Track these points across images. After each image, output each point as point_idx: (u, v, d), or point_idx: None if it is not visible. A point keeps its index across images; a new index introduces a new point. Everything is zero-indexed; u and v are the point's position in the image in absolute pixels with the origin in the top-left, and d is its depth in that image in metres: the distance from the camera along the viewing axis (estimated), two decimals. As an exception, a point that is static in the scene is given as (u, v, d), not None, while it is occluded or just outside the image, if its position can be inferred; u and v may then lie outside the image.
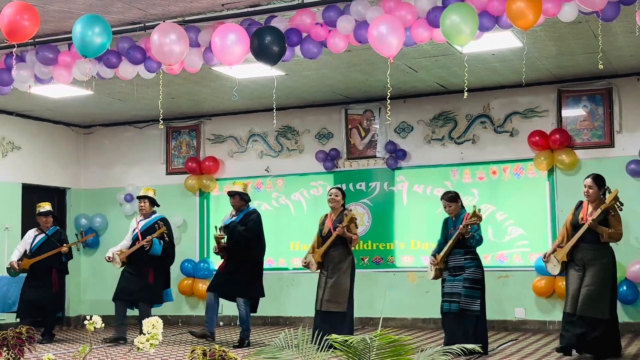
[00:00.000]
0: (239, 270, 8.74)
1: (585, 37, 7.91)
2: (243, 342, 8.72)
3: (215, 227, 8.98)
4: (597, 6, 5.47)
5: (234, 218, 8.89)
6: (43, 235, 9.62)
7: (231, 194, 8.97)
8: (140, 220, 9.40)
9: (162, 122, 7.34)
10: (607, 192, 7.19)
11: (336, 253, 8.16)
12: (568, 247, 7.28)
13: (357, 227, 8.22)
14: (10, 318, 10.11)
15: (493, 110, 10.26)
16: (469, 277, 7.58)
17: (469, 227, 7.50)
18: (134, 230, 9.34)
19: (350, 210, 8.45)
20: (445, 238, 7.83)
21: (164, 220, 9.38)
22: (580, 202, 7.46)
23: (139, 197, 9.43)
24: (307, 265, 8.40)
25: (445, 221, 7.95)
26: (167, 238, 9.19)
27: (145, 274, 9.12)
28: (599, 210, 7.10)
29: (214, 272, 9.28)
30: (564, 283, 9.05)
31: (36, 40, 7.04)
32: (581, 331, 7.14)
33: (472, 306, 7.54)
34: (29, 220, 10.58)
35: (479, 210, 7.64)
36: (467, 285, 7.55)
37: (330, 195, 8.37)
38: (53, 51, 7.12)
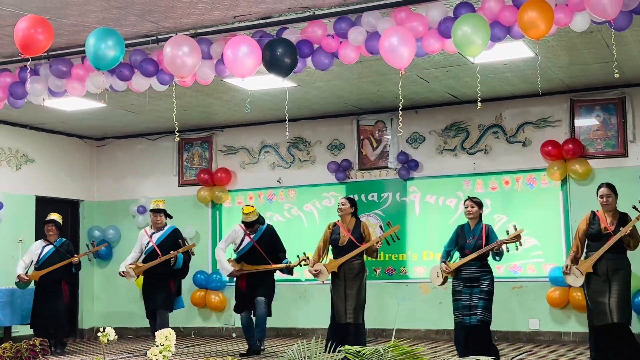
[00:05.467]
0: (263, 282, 8.84)
1: (598, 47, 7.89)
2: (259, 345, 8.79)
3: (304, 254, 8.82)
4: (609, 16, 5.45)
5: (252, 236, 8.92)
6: (51, 246, 9.62)
7: (250, 224, 8.92)
8: (153, 233, 9.34)
9: (177, 134, 7.36)
10: None
11: (356, 264, 8.20)
12: (595, 258, 7.21)
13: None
14: (24, 330, 10.14)
15: (505, 120, 10.23)
16: (485, 289, 7.50)
17: (505, 245, 7.47)
18: (148, 243, 9.29)
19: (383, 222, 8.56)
20: (460, 246, 7.71)
21: (178, 231, 9.38)
22: (593, 213, 7.40)
23: (154, 211, 9.32)
24: (316, 274, 8.34)
25: (461, 228, 7.80)
26: (193, 253, 9.27)
27: (166, 284, 9.12)
28: (634, 220, 7.08)
29: (236, 292, 9.12)
30: (580, 293, 9.06)
31: (50, 53, 7.09)
32: (617, 341, 7.16)
33: (488, 317, 7.50)
34: (42, 232, 10.63)
35: (522, 231, 7.56)
36: (484, 297, 7.46)
37: (338, 205, 8.41)
38: (66, 64, 7.18)
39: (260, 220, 9.02)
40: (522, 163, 10.07)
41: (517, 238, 7.47)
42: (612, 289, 7.16)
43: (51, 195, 11.67)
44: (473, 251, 7.53)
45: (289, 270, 8.93)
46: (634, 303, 9.05)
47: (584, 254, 7.43)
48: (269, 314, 9.00)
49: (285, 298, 10.91)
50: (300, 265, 8.88)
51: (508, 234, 7.52)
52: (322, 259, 8.41)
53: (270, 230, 9.10)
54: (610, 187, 7.33)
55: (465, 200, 7.78)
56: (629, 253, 7.40)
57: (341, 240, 8.23)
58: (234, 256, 9.14)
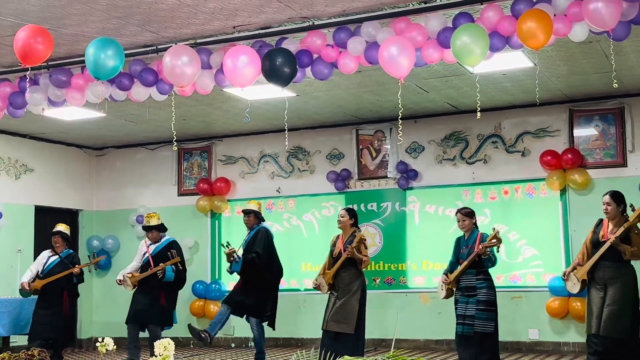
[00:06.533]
0: (252, 290, 8.70)
1: (596, 57, 7.91)
2: None
3: (223, 245, 8.76)
4: (607, 26, 5.46)
5: (246, 238, 8.87)
6: (56, 257, 9.62)
7: (247, 212, 8.91)
8: (150, 244, 9.32)
9: (175, 143, 7.35)
10: (631, 209, 7.05)
11: (347, 274, 8.01)
12: (589, 265, 7.13)
13: (367, 248, 8.10)
14: (22, 340, 10.10)
15: (504, 130, 10.24)
16: (482, 299, 7.46)
17: (488, 249, 7.40)
18: (145, 253, 9.27)
19: (361, 231, 8.38)
20: (457, 257, 7.73)
21: (175, 243, 9.31)
22: (601, 220, 7.35)
23: (146, 228, 9.25)
24: (317, 287, 8.31)
25: (458, 240, 7.86)
26: (180, 266, 9.17)
27: (157, 296, 9.06)
28: (622, 228, 6.95)
29: (232, 289, 9.08)
30: (580, 303, 9.04)
31: (49, 63, 7.10)
32: (604, 351, 6.99)
33: (486, 328, 7.43)
34: (41, 242, 10.61)
35: (498, 232, 7.50)
36: (481, 307, 7.43)
37: (338, 217, 8.35)
38: (66, 74, 7.18)
39: (259, 215, 8.93)
40: (521, 173, 10.07)
41: (496, 239, 7.39)
42: (608, 299, 7.00)
43: (50, 205, 11.66)
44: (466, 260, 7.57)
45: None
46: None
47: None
48: (272, 327, 8.89)
49: (284, 308, 10.88)
50: (232, 259, 8.57)
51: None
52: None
53: (258, 233, 8.87)
54: (613, 195, 7.23)
55: (456, 214, 7.80)
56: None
57: (335, 252, 8.17)
58: None
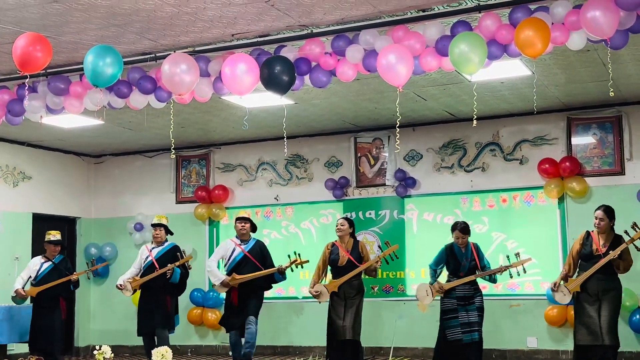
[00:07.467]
0: (254, 296, 8.59)
1: (594, 65, 7.92)
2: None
3: (295, 253, 8.66)
4: (605, 34, 5.48)
5: (243, 246, 8.78)
6: (50, 263, 9.56)
7: (246, 219, 8.83)
8: (153, 248, 9.29)
9: (173, 151, 7.34)
10: (633, 228, 7.15)
11: (356, 283, 8.24)
12: (583, 278, 7.30)
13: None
14: (20, 348, 10.08)
15: (502, 138, 10.25)
16: (480, 306, 7.86)
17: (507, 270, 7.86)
18: (147, 258, 9.24)
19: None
20: (454, 268, 7.93)
21: (178, 248, 9.31)
22: (588, 233, 7.45)
23: (154, 225, 9.28)
24: (317, 296, 8.31)
25: (450, 249, 8.02)
26: (190, 266, 9.19)
27: (164, 302, 9.01)
28: (623, 245, 7.14)
29: (227, 307, 8.82)
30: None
31: (48, 70, 7.11)
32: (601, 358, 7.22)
33: (481, 333, 7.83)
34: (39, 250, 10.57)
35: (529, 260, 8.03)
36: (481, 313, 7.84)
37: (337, 225, 8.39)
38: (64, 81, 7.18)
39: (252, 223, 8.91)
40: (519, 181, 10.08)
41: (521, 263, 7.92)
42: (603, 310, 7.24)
43: (48, 213, 11.64)
44: (468, 272, 7.87)
45: (281, 273, 8.56)
46: (632, 322, 9.07)
47: (576, 273, 7.50)
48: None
49: (281, 315, 10.87)
50: (296, 267, 8.60)
51: (509, 259, 7.98)
52: (321, 280, 8.40)
53: (261, 245, 8.91)
54: (607, 211, 7.36)
55: (455, 232, 8.04)
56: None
57: (340, 261, 8.24)
58: (224, 271, 8.95)
